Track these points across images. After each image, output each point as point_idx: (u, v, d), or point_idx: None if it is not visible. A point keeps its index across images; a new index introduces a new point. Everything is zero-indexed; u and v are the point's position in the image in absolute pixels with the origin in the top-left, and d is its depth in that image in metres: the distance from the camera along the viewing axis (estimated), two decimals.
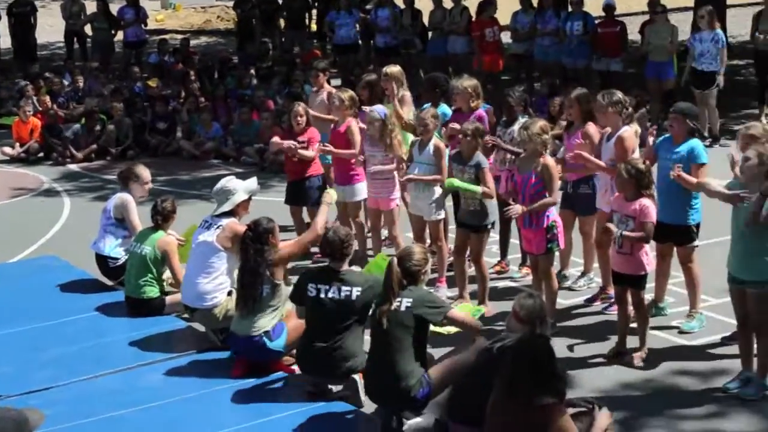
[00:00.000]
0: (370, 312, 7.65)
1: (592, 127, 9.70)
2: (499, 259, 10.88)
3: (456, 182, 9.64)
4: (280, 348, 8.35)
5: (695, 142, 9.01)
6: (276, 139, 11.31)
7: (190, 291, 9.05)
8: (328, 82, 13.16)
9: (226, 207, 9.11)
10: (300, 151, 11.01)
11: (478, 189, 9.52)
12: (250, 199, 9.28)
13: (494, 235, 10.77)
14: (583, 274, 10.33)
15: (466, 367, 7.24)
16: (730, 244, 8.01)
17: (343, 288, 7.83)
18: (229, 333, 8.53)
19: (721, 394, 7.94)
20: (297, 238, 9.45)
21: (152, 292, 9.71)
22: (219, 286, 8.95)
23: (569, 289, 10.20)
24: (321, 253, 8.23)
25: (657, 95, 17.19)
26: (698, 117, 9.24)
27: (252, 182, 9.40)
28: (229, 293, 8.95)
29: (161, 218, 9.84)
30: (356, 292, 7.79)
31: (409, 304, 7.35)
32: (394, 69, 11.56)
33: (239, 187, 9.21)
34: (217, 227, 9.01)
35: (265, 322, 8.31)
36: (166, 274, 9.92)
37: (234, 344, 8.49)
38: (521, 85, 16.39)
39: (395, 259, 7.60)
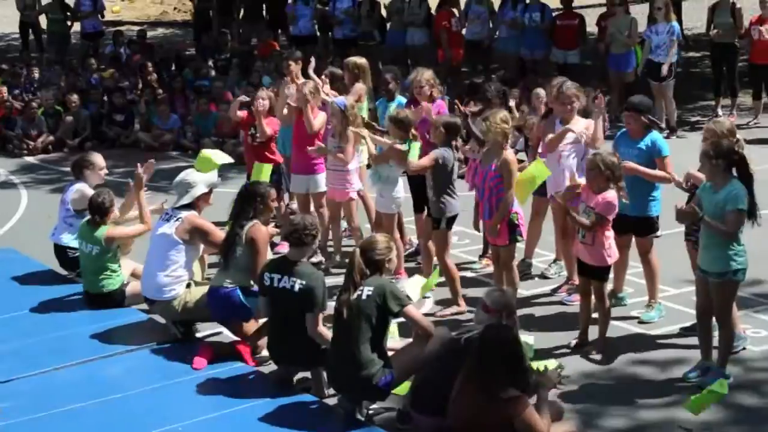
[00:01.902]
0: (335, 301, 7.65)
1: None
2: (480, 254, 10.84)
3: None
4: (252, 306, 8.40)
5: (655, 135, 9.09)
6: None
7: (149, 283, 9.02)
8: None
9: (186, 200, 9.07)
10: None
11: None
12: (210, 191, 9.25)
13: (463, 228, 10.76)
14: (555, 260, 10.40)
15: (428, 357, 7.28)
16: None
17: (291, 278, 7.83)
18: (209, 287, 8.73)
19: (681, 383, 8.00)
20: None
21: (111, 285, 9.62)
22: (177, 279, 8.92)
23: (542, 276, 10.29)
24: (283, 237, 8.20)
25: (617, 87, 17.31)
26: (651, 109, 9.31)
27: (212, 175, 9.37)
28: (188, 285, 8.94)
29: (99, 215, 9.61)
30: (299, 284, 7.77)
31: (369, 293, 7.35)
32: (355, 60, 11.59)
33: (199, 179, 9.17)
34: (177, 219, 8.97)
35: (241, 278, 8.46)
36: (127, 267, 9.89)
37: (210, 297, 8.61)
38: (480, 77, 16.42)
39: (357, 249, 7.62)
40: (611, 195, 8.48)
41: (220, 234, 9.05)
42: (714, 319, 8.09)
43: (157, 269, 8.94)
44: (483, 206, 9.27)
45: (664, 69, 16.22)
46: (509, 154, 9.15)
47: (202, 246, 9.11)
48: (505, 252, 9.27)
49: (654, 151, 8.98)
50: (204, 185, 9.15)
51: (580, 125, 9.50)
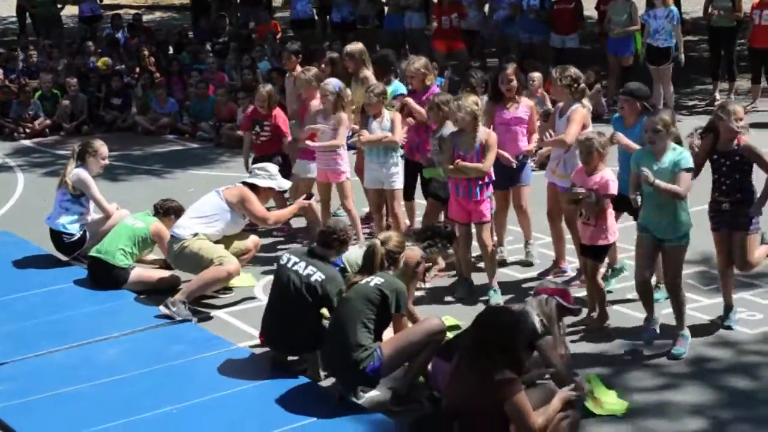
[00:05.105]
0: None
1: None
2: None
3: (431, 172, 9.63)
4: None
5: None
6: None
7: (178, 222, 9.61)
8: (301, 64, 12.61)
9: (253, 179, 9.65)
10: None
11: (441, 171, 9.52)
12: (273, 192, 9.93)
13: None
14: (526, 243, 10.36)
15: (417, 345, 7.33)
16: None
17: (311, 267, 7.84)
18: None
19: (676, 366, 7.99)
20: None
21: (123, 261, 9.70)
22: (194, 227, 9.36)
23: (523, 264, 10.22)
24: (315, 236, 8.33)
25: (615, 72, 17.29)
26: (649, 97, 9.29)
27: (285, 182, 10.13)
28: (195, 234, 9.32)
29: (163, 214, 10.08)
30: (318, 276, 7.79)
31: (379, 283, 7.39)
32: (356, 47, 11.56)
33: (278, 177, 9.83)
34: (235, 185, 9.59)
35: None
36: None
37: None
38: (476, 62, 16.42)
39: (378, 241, 7.72)
40: (608, 173, 8.61)
41: (262, 209, 9.60)
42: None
43: (190, 211, 9.59)
44: (457, 187, 9.29)
45: (681, 57, 16.24)
46: (487, 131, 9.25)
47: (238, 222, 9.61)
48: (483, 229, 9.30)
49: None
50: (276, 184, 9.80)
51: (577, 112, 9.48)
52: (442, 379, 7.07)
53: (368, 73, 11.41)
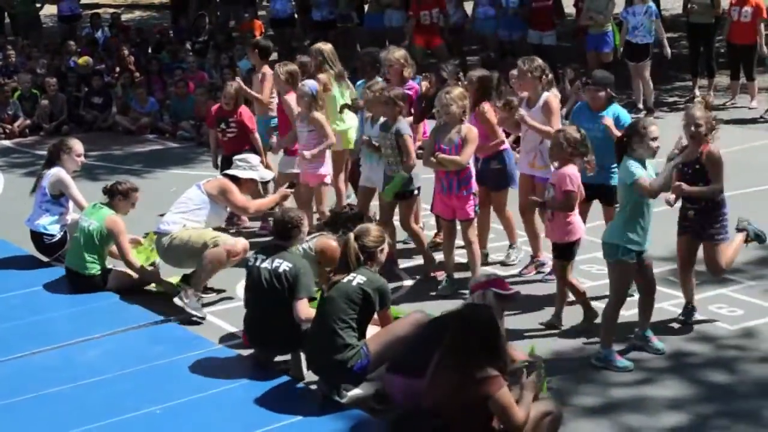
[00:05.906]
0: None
1: (486, 105, 9.76)
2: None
3: (390, 191, 9.67)
4: None
5: (616, 108, 9.23)
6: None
7: (164, 217, 9.58)
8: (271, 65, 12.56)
9: (235, 172, 9.66)
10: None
11: (405, 175, 9.55)
12: (256, 184, 9.99)
13: (425, 206, 10.73)
14: (510, 246, 10.33)
15: (404, 341, 7.33)
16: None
17: (277, 260, 7.89)
18: None
19: (652, 362, 8.02)
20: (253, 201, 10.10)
21: (93, 269, 9.65)
22: (180, 220, 9.35)
23: (502, 264, 10.20)
24: (270, 231, 8.35)
25: (595, 68, 17.29)
26: (613, 84, 9.40)
27: (267, 173, 10.26)
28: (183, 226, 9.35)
29: (109, 196, 9.79)
30: (285, 266, 7.83)
31: (361, 282, 7.40)
32: (324, 47, 11.57)
33: (259, 168, 9.91)
34: (215, 177, 9.65)
35: None
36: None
37: None
38: (456, 59, 16.41)
39: (351, 235, 7.68)
40: (569, 168, 8.50)
41: (242, 198, 9.60)
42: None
43: (174, 206, 9.56)
44: (440, 182, 9.35)
45: (667, 51, 16.36)
46: (468, 125, 9.27)
47: (220, 214, 9.67)
48: (467, 226, 9.35)
49: (618, 124, 9.05)
50: (258, 175, 9.83)
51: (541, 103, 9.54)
52: (397, 393, 7.09)
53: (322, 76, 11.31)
